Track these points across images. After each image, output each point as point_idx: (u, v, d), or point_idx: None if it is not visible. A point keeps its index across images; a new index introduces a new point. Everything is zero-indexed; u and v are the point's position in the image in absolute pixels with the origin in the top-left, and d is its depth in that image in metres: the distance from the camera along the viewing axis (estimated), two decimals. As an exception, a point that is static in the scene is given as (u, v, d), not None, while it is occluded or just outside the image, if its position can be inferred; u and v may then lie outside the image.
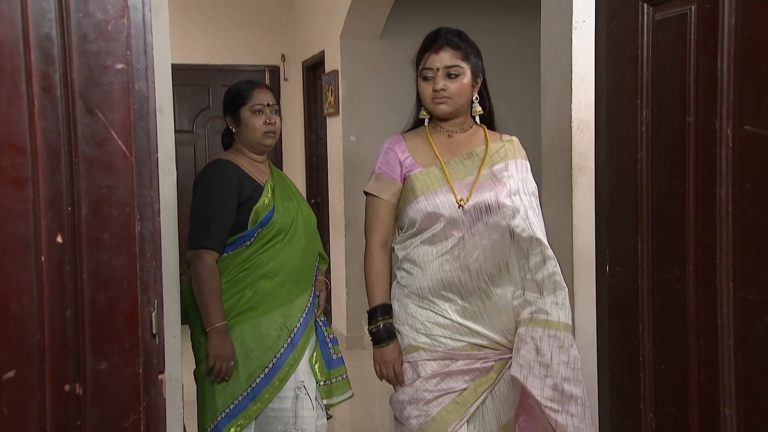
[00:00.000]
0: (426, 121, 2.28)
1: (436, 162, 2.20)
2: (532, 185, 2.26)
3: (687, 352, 1.34)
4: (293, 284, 2.63)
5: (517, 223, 2.13)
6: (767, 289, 1.15)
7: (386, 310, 2.21)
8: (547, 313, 2.11)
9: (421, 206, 2.14)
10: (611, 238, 1.57)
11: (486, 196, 2.14)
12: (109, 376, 1.14)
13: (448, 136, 2.26)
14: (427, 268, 2.15)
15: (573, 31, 2.53)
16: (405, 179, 2.21)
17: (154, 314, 1.20)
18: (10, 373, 1.07)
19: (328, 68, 5.92)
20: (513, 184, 2.19)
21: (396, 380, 2.22)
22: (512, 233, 2.13)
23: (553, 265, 2.14)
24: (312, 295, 2.70)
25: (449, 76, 2.16)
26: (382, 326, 2.19)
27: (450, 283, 2.13)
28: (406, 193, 2.21)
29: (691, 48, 1.27)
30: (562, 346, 2.08)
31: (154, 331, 1.20)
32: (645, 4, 1.39)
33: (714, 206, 1.23)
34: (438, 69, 2.17)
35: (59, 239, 1.08)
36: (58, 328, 1.09)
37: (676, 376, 1.39)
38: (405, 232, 2.23)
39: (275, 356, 2.55)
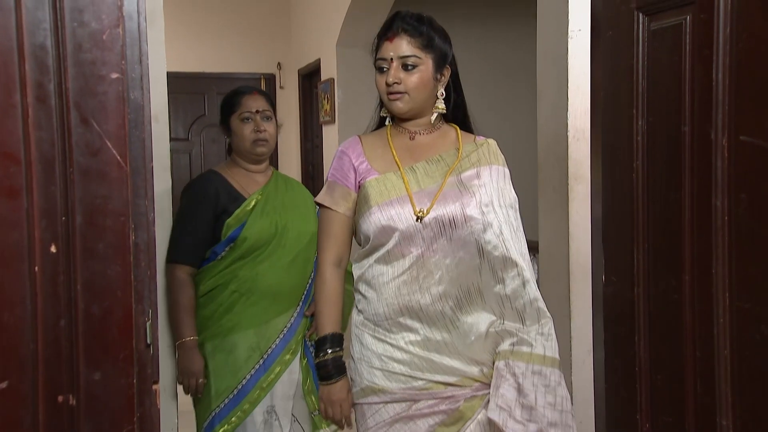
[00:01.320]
0: (387, 120, 1.98)
1: (395, 167, 1.89)
2: (510, 196, 1.91)
3: (683, 361, 1.34)
4: (270, 303, 2.45)
5: (489, 239, 1.81)
6: (763, 299, 1.15)
7: (336, 340, 1.90)
8: (531, 345, 1.78)
9: (374, 219, 1.83)
10: (607, 248, 1.57)
11: (450, 208, 1.82)
12: (102, 386, 1.13)
13: (410, 138, 1.95)
14: (383, 291, 1.84)
15: (569, 39, 2.53)
16: (359, 187, 1.91)
17: (148, 324, 1.20)
18: (3, 384, 1.06)
19: (324, 76, 5.92)
20: (485, 194, 1.86)
21: (343, 423, 1.94)
22: (482, 251, 1.82)
23: (534, 290, 1.83)
24: (297, 315, 2.49)
25: (405, 67, 1.86)
26: (330, 360, 1.89)
27: (408, 309, 1.81)
28: (359, 204, 1.90)
29: (686, 58, 1.27)
30: (549, 385, 1.75)
31: (148, 341, 1.20)
32: (640, 14, 1.40)
33: (709, 216, 1.23)
34: (392, 59, 1.86)
35: (53, 249, 1.08)
36: (51, 339, 1.09)
37: (672, 386, 1.39)
38: (361, 248, 1.93)
39: (244, 378, 2.40)
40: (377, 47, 1.92)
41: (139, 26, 1.14)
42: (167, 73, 2.45)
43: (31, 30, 1.02)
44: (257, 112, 2.54)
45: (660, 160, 1.39)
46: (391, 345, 1.84)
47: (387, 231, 1.82)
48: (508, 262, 1.80)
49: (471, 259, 1.81)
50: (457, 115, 2.00)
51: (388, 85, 1.86)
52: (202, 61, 6.65)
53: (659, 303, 1.42)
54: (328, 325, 1.91)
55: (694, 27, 1.25)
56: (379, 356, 1.85)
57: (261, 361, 2.43)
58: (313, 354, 2.43)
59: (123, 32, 1.10)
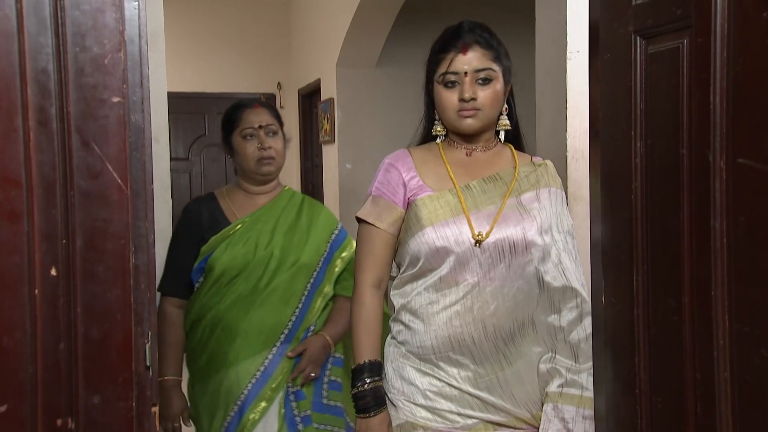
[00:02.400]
0: (439, 138, 1.85)
1: (450, 185, 1.75)
2: (568, 222, 1.79)
3: (683, 383, 1.34)
4: (242, 342, 2.19)
5: (548, 268, 1.70)
6: (763, 321, 1.15)
7: (375, 368, 1.74)
8: (582, 387, 1.66)
9: (427, 239, 1.67)
10: (606, 269, 1.57)
11: (511, 231, 1.68)
12: (101, 410, 1.13)
13: (467, 154, 1.82)
14: (432, 322, 1.67)
15: (567, 61, 2.55)
16: (409, 204, 1.76)
17: (148, 346, 1.19)
18: (2, 408, 1.06)
19: (324, 96, 5.95)
20: (545, 218, 1.73)
21: None
22: (541, 281, 1.69)
23: (589, 324, 1.64)
24: (274, 357, 2.21)
25: (480, 81, 1.74)
26: (369, 390, 1.72)
27: (460, 343, 1.66)
28: (409, 222, 1.73)
29: (684, 81, 1.28)
30: None
31: (147, 363, 1.20)
32: (638, 38, 1.41)
33: (708, 238, 1.23)
34: (466, 73, 1.72)
35: (53, 272, 1.08)
36: (50, 362, 1.09)
37: (672, 408, 1.38)
38: (404, 272, 1.76)
39: (222, 427, 2.19)
40: (438, 61, 1.76)
41: (140, 50, 1.14)
42: (167, 93, 2.47)
43: (33, 55, 1.03)
44: (260, 127, 2.32)
45: (658, 182, 1.40)
46: (439, 380, 1.68)
47: (441, 254, 1.66)
48: (568, 292, 1.69)
49: (530, 289, 1.68)
50: (510, 132, 1.87)
51: (463, 100, 1.72)
52: (203, 81, 6.69)
53: (659, 325, 1.42)
54: (366, 352, 1.73)
55: (691, 50, 1.26)
56: (423, 392, 1.69)
57: (236, 408, 2.19)
58: (294, 404, 2.23)
59: (124, 56, 1.10)
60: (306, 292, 2.31)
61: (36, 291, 1.07)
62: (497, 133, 1.84)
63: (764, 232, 1.12)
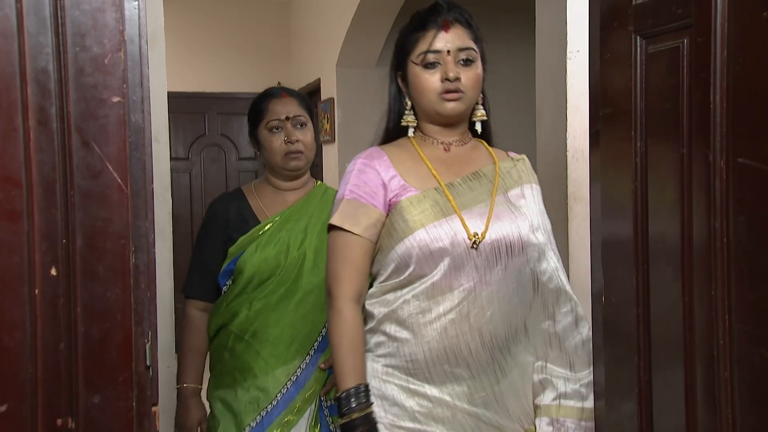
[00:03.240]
0: (411, 131, 1.68)
1: (434, 183, 1.59)
2: (548, 221, 1.69)
3: (683, 384, 1.34)
4: (272, 350, 2.03)
5: (544, 268, 1.59)
6: (763, 321, 1.15)
7: (364, 394, 1.52)
8: (583, 398, 1.55)
9: (419, 242, 1.50)
10: (606, 269, 1.57)
11: (506, 230, 1.55)
12: (102, 409, 1.13)
13: (445, 149, 1.66)
14: (424, 333, 1.50)
15: (568, 60, 2.55)
16: (391, 207, 1.58)
17: (148, 346, 1.19)
18: (2, 407, 1.06)
19: (324, 96, 5.95)
20: (533, 216, 1.62)
21: None
22: (536, 283, 1.58)
23: (587, 330, 1.59)
24: (308, 366, 2.05)
25: (462, 62, 1.59)
26: (360, 418, 1.49)
27: (456, 354, 1.50)
28: (393, 227, 1.56)
29: (683, 81, 1.28)
30: None
31: (148, 363, 1.20)
32: (638, 37, 1.41)
33: (708, 238, 1.23)
34: (449, 51, 1.57)
35: (53, 272, 1.08)
36: (51, 362, 1.09)
37: (673, 409, 1.38)
38: (385, 281, 1.58)
39: None
40: (416, 40, 1.61)
41: (140, 49, 1.14)
42: (167, 93, 2.47)
43: (34, 55, 1.03)
44: (287, 118, 2.15)
45: (658, 181, 1.40)
46: (430, 399, 1.51)
47: (435, 257, 1.51)
48: (562, 296, 1.60)
49: (525, 292, 1.57)
50: (485, 124, 1.72)
51: (449, 80, 1.56)
52: (203, 80, 6.68)
53: (659, 325, 1.42)
54: (351, 375, 1.52)
55: (691, 50, 1.26)
56: (411, 414, 1.51)
57: (258, 418, 2.01)
58: (329, 419, 2.06)
59: (124, 56, 1.10)
60: None
61: (36, 291, 1.07)
62: (471, 124, 1.70)
63: (764, 231, 1.12)
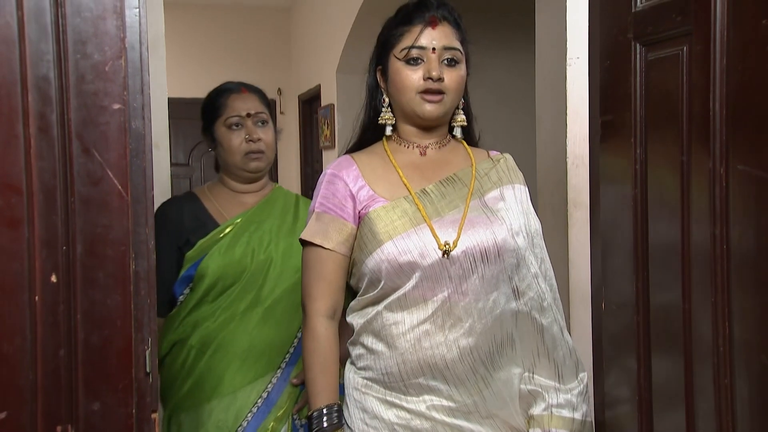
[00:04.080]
0: (388, 129, 1.60)
1: (405, 191, 1.52)
2: (536, 221, 1.60)
3: (684, 390, 1.34)
4: (239, 365, 1.85)
5: (523, 275, 1.53)
6: (763, 327, 1.15)
7: (335, 414, 1.49)
8: (574, 408, 1.52)
9: (387, 256, 1.44)
10: (607, 275, 1.57)
11: (480, 237, 1.47)
12: (101, 416, 1.13)
13: (421, 153, 1.59)
14: (398, 345, 1.46)
15: (567, 67, 2.55)
16: (361, 219, 1.52)
17: (148, 352, 1.19)
18: (2, 415, 1.06)
19: (324, 102, 5.96)
20: (513, 219, 1.53)
21: None
22: (516, 291, 1.52)
23: (569, 337, 1.57)
24: (279, 382, 1.89)
25: (447, 62, 1.52)
26: None
27: (431, 367, 1.44)
28: (363, 239, 1.50)
29: (683, 88, 1.28)
30: None
31: (147, 370, 1.19)
32: (638, 45, 1.41)
33: (708, 244, 1.23)
34: (434, 49, 1.50)
35: (53, 279, 1.08)
36: (51, 369, 1.08)
37: (673, 415, 1.38)
38: (363, 294, 1.53)
39: None
40: (401, 34, 1.54)
41: (141, 56, 1.14)
42: (168, 99, 2.47)
43: (35, 62, 1.03)
44: (248, 115, 1.99)
45: (658, 188, 1.40)
46: (408, 411, 1.46)
47: (406, 271, 1.44)
48: (545, 305, 1.53)
49: (506, 302, 1.50)
50: (463, 128, 1.64)
51: (431, 80, 1.49)
52: (203, 86, 6.68)
53: (659, 331, 1.42)
54: (323, 394, 1.49)
55: (690, 58, 1.26)
56: (391, 426, 1.47)
57: None
58: None
59: (125, 63, 1.10)
60: None
61: (36, 297, 1.07)
62: (450, 129, 1.62)
63: (764, 238, 1.12)
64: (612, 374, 1.57)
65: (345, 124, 5.60)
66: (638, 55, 1.41)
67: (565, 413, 1.51)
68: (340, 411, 1.51)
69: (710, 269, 1.22)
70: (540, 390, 1.52)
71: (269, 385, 1.87)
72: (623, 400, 1.53)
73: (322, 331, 1.52)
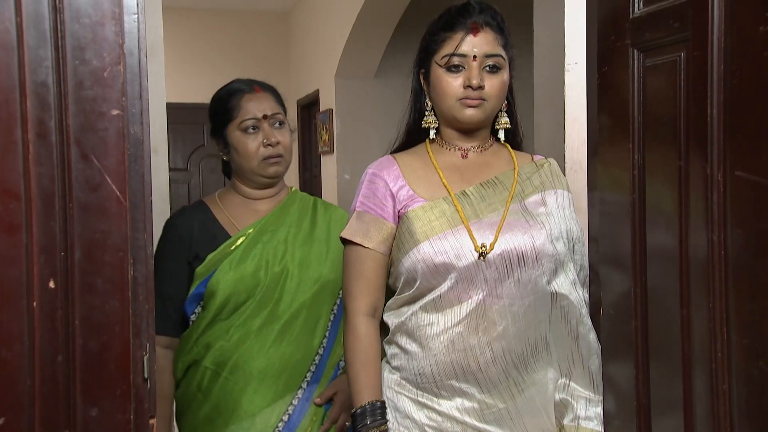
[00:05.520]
0: (432, 132, 1.60)
1: (444, 193, 1.53)
2: (578, 227, 1.60)
3: (682, 396, 1.34)
4: (257, 386, 1.74)
5: (562, 281, 1.52)
6: (761, 333, 1.15)
7: (378, 411, 1.49)
8: (601, 421, 1.52)
9: (423, 256, 1.45)
10: (605, 281, 1.57)
11: (518, 240, 1.47)
12: (99, 422, 1.12)
13: (462, 156, 1.59)
14: (431, 346, 1.46)
15: (566, 72, 2.56)
16: (400, 218, 1.54)
17: (146, 358, 1.19)
18: (0, 421, 1.06)
19: (322, 107, 5.96)
20: (554, 224, 1.53)
21: None
22: (554, 297, 1.51)
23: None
24: (300, 403, 1.78)
25: (488, 68, 1.52)
26: None
27: (465, 370, 1.45)
28: (401, 239, 1.51)
29: (681, 94, 1.29)
30: None
31: (146, 375, 1.19)
32: (635, 51, 1.41)
33: (706, 250, 1.23)
34: (475, 57, 1.50)
35: (51, 284, 1.08)
36: (48, 375, 1.08)
37: (671, 422, 1.38)
38: (399, 293, 1.54)
39: None
40: (442, 40, 1.53)
41: (139, 62, 1.15)
42: (167, 104, 2.47)
43: (33, 68, 1.03)
44: (265, 117, 1.85)
45: (656, 194, 1.40)
46: (439, 413, 1.47)
47: (441, 271, 1.45)
48: (583, 310, 1.53)
49: (541, 306, 1.49)
50: (508, 130, 1.64)
51: (470, 87, 1.50)
52: (202, 91, 6.68)
53: (657, 337, 1.42)
54: (366, 391, 1.50)
55: (688, 64, 1.26)
56: (421, 427, 1.47)
57: None
58: None
59: (124, 69, 1.11)
60: (332, 316, 1.87)
61: (34, 303, 1.07)
62: (494, 131, 1.63)
63: (762, 244, 1.12)
64: (610, 379, 1.57)
65: (343, 128, 5.60)
66: (636, 61, 1.41)
67: (593, 426, 1.50)
68: (383, 407, 1.51)
69: (708, 275, 1.22)
70: (571, 400, 1.51)
71: (290, 407, 1.76)
72: (621, 405, 1.53)
73: (362, 329, 1.53)
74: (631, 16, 1.43)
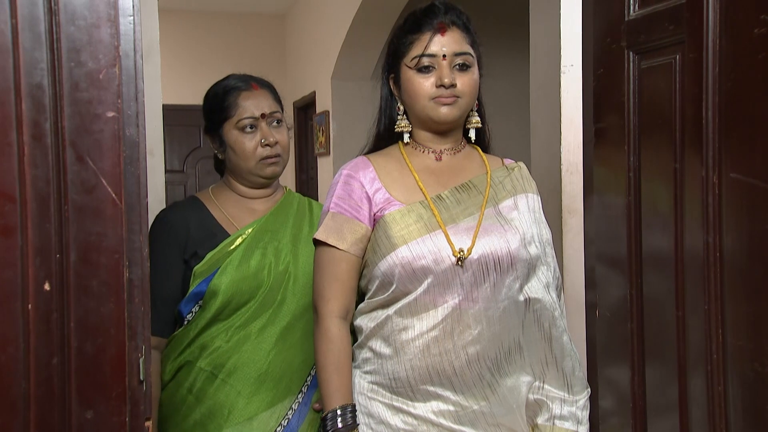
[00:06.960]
0: (406, 136, 1.60)
1: (420, 196, 1.52)
2: (548, 230, 1.61)
3: (677, 398, 1.34)
4: (255, 389, 1.70)
5: (534, 285, 1.53)
6: (756, 335, 1.15)
7: (349, 414, 1.48)
8: (579, 421, 1.51)
9: (401, 260, 1.45)
10: (600, 283, 1.58)
11: (495, 245, 1.47)
12: (95, 425, 1.12)
13: (436, 158, 1.59)
14: (406, 351, 1.46)
15: (562, 74, 2.56)
16: (376, 221, 1.52)
17: (141, 360, 1.19)
18: (-5, 423, 1.05)
19: (319, 109, 5.96)
20: (526, 228, 1.54)
21: None
22: (528, 301, 1.51)
23: (576, 350, 1.56)
24: (300, 407, 1.74)
25: (459, 67, 1.52)
26: None
27: (440, 374, 1.44)
28: (377, 242, 1.50)
29: (676, 96, 1.29)
30: None
31: (141, 378, 1.19)
32: (631, 53, 1.42)
33: (701, 252, 1.24)
34: (444, 56, 1.51)
35: (47, 287, 1.07)
36: (44, 377, 1.08)
37: (666, 423, 1.38)
38: (372, 297, 1.53)
39: None
40: (410, 42, 1.54)
41: (135, 64, 1.14)
42: (163, 105, 2.47)
43: (29, 70, 1.03)
44: (263, 116, 1.80)
45: (652, 196, 1.40)
46: (415, 417, 1.46)
47: (419, 275, 1.45)
48: (555, 314, 1.53)
49: (515, 310, 1.50)
50: (477, 132, 1.62)
51: (444, 86, 1.50)
52: (198, 93, 6.67)
53: (652, 339, 1.42)
54: (337, 395, 1.48)
55: (683, 66, 1.27)
56: (396, 431, 1.47)
57: None
58: None
59: (119, 71, 1.10)
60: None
61: (29, 306, 1.06)
62: (465, 131, 1.62)
63: (757, 246, 1.13)
64: (606, 381, 1.57)
65: (340, 130, 5.60)
66: (631, 64, 1.42)
67: (568, 425, 1.51)
68: (354, 411, 1.50)
69: (703, 277, 1.23)
70: (546, 400, 1.52)
71: (289, 412, 1.72)
72: (617, 407, 1.53)
73: (335, 332, 1.51)
74: (626, 19, 1.43)
